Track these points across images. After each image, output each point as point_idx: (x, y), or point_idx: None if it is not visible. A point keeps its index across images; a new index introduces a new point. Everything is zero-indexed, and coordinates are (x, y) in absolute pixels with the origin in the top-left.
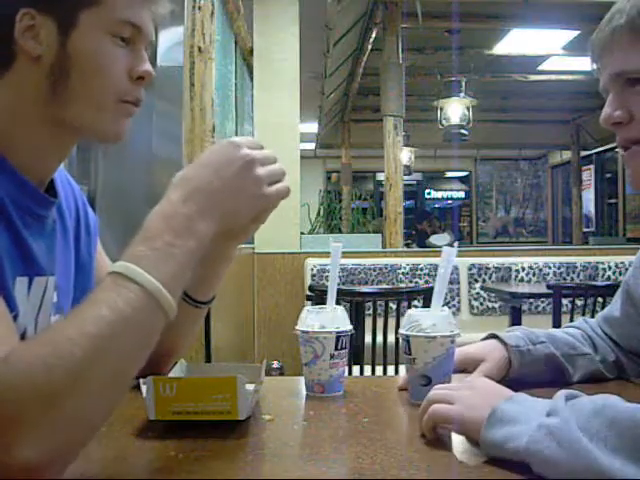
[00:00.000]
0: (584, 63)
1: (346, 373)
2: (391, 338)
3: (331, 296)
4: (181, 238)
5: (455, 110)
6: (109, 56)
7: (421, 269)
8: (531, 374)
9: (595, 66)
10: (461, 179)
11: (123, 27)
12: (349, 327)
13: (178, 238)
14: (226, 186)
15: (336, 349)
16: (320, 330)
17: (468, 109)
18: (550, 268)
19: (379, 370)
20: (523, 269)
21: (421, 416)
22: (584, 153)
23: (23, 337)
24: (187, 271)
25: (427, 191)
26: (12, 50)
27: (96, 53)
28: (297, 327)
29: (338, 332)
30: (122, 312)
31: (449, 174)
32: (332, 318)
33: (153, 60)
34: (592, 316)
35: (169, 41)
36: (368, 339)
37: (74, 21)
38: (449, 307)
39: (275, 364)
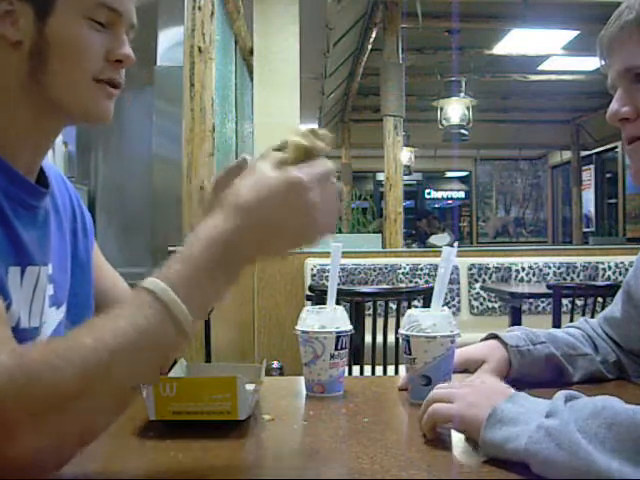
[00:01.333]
0: (584, 63)
1: (346, 373)
2: (391, 338)
3: (331, 296)
4: (221, 270)
5: (455, 110)
6: (85, 40)
7: (421, 269)
8: (531, 374)
9: (603, 62)
10: (461, 179)
11: (99, 11)
12: (349, 327)
13: (219, 270)
14: (285, 232)
15: (336, 349)
16: (320, 330)
17: (468, 109)
18: (550, 268)
19: (379, 370)
20: (523, 269)
21: (421, 416)
22: (584, 153)
23: (17, 326)
24: (215, 302)
25: (427, 191)
26: None
27: (72, 37)
28: (297, 327)
29: (338, 332)
30: (142, 330)
31: (449, 174)
32: (332, 318)
33: (153, 60)
34: (592, 316)
35: (169, 41)
36: (368, 339)
37: (50, 7)
38: (449, 307)
39: (275, 364)
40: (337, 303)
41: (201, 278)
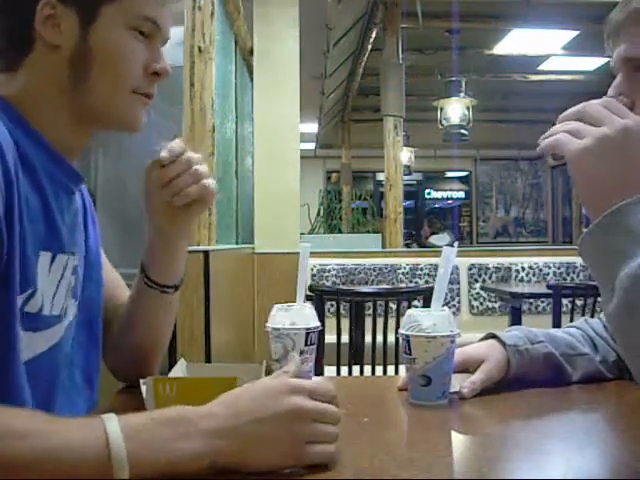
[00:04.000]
0: (584, 63)
1: (346, 373)
2: (391, 338)
3: (300, 294)
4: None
5: (455, 110)
6: (128, 49)
7: (421, 269)
8: (530, 374)
9: (607, 45)
10: (461, 179)
11: (142, 22)
12: (318, 324)
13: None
14: (258, 435)
15: (306, 345)
16: (291, 327)
17: (468, 109)
18: (550, 268)
19: (379, 370)
20: (523, 269)
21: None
22: None
23: (39, 312)
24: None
25: (427, 191)
26: (30, 36)
27: (116, 46)
28: (267, 324)
29: (307, 328)
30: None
31: (449, 174)
32: (301, 315)
33: None
34: (592, 316)
35: (169, 41)
36: (368, 339)
37: (95, 14)
38: (449, 307)
39: None
40: (337, 303)
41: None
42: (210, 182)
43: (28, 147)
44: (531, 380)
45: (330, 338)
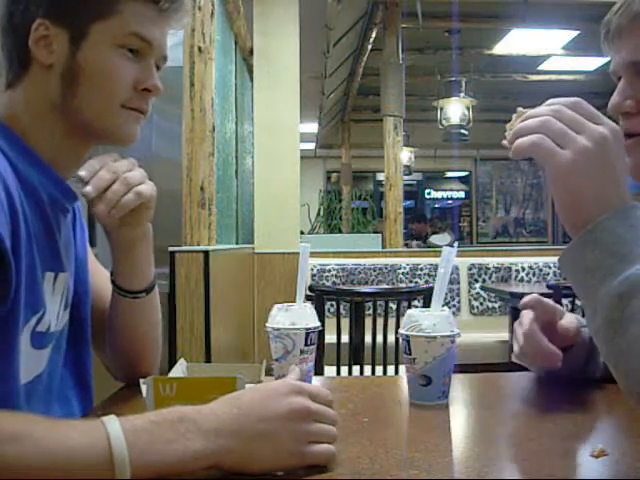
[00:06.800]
0: (584, 63)
1: (346, 373)
2: (391, 338)
3: (300, 294)
4: (191, 463)
5: (455, 110)
6: (116, 67)
7: (421, 269)
8: (576, 357)
9: (606, 47)
10: (461, 179)
11: (132, 40)
12: (318, 324)
13: (190, 463)
14: (261, 434)
15: (306, 345)
16: (291, 327)
17: (468, 109)
18: (550, 268)
19: (379, 370)
20: (523, 269)
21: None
22: None
23: (47, 331)
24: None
25: (427, 191)
26: (27, 57)
27: (104, 63)
28: (267, 324)
29: (307, 329)
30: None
31: (449, 174)
32: (301, 315)
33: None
34: None
35: (169, 41)
36: (368, 339)
37: (85, 33)
38: (449, 307)
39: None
40: (337, 303)
41: (163, 449)
42: (144, 188)
43: (27, 168)
44: (571, 367)
45: (330, 338)
